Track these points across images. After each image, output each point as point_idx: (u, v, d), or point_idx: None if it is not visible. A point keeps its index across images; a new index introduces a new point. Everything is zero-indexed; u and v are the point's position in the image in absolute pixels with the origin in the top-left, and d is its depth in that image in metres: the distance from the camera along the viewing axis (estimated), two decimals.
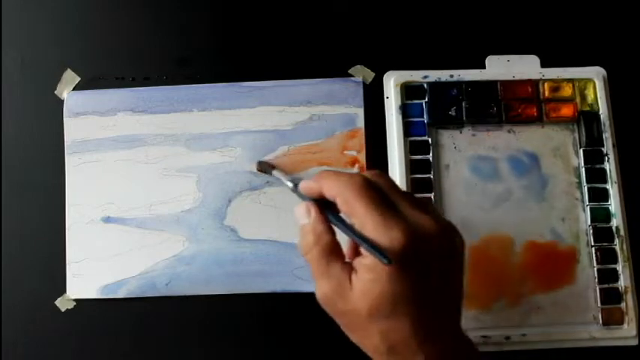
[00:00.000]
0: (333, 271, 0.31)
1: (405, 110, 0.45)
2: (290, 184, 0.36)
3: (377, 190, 0.31)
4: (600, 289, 0.43)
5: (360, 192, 0.30)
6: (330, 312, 0.32)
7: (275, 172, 0.39)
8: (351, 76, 0.46)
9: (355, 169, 0.44)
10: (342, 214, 0.32)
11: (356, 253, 0.32)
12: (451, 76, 0.46)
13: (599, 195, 0.44)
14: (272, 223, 0.44)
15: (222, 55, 0.47)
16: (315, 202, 0.33)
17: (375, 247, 0.29)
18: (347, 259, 0.32)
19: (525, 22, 0.48)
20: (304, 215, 0.33)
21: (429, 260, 0.30)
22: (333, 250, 0.31)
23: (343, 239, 0.32)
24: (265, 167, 0.41)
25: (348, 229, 0.30)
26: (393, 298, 0.29)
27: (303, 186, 0.33)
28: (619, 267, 0.43)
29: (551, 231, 0.44)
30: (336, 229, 0.32)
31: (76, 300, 0.43)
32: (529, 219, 0.44)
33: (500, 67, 0.46)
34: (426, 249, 0.30)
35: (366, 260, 0.30)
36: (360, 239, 0.30)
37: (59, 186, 0.44)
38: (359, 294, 0.30)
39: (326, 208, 0.32)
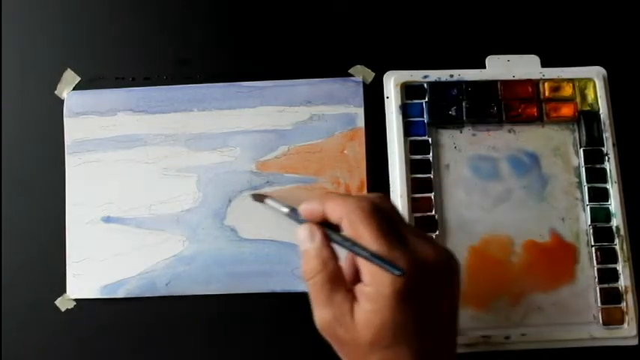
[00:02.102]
0: (336, 300, 0.30)
1: (405, 110, 0.45)
2: (285, 210, 0.35)
3: (384, 216, 0.30)
4: (600, 289, 0.43)
5: (367, 216, 0.30)
6: (330, 339, 0.32)
7: (267, 201, 0.38)
8: (351, 76, 0.46)
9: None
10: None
11: (355, 279, 0.31)
12: (451, 76, 0.46)
13: (599, 195, 0.44)
14: (272, 223, 0.44)
15: (222, 55, 0.47)
16: (319, 225, 0.32)
17: (386, 261, 0.29)
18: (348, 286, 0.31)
19: (525, 22, 0.48)
20: (307, 239, 0.32)
21: (430, 289, 0.30)
22: (337, 277, 0.31)
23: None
24: (258, 198, 0.40)
25: (356, 246, 0.30)
26: (394, 329, 0.29)
27: (304, 208, 0.33)
28: (619, 267, 0.43)
29: (551, 231, 0.44)
30: (339, 251, 0.32)
31: (76, 300, 0.43)
32: (529, 219, 0.44)
33: (500, 67, 0.46)
34: (427, 278, 0.30)
35: (367, 289, 0.30)
36: (369, 255, 0.29)
37: (59, 186, 0.44)
38: (360, 324, 0.29)
39: (328, 229, 0.32)
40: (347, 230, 0.31)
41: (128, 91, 0.46)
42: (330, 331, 0.31)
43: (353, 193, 0.44)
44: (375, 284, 0.29)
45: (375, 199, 0.32)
